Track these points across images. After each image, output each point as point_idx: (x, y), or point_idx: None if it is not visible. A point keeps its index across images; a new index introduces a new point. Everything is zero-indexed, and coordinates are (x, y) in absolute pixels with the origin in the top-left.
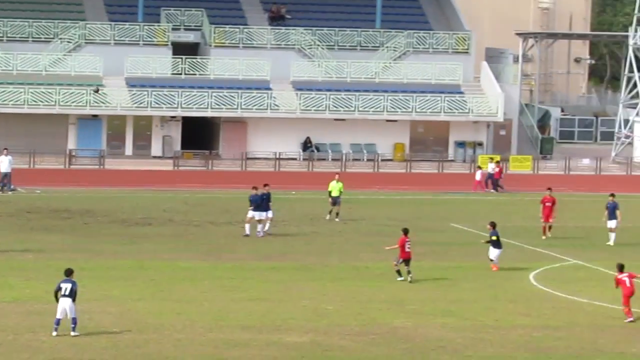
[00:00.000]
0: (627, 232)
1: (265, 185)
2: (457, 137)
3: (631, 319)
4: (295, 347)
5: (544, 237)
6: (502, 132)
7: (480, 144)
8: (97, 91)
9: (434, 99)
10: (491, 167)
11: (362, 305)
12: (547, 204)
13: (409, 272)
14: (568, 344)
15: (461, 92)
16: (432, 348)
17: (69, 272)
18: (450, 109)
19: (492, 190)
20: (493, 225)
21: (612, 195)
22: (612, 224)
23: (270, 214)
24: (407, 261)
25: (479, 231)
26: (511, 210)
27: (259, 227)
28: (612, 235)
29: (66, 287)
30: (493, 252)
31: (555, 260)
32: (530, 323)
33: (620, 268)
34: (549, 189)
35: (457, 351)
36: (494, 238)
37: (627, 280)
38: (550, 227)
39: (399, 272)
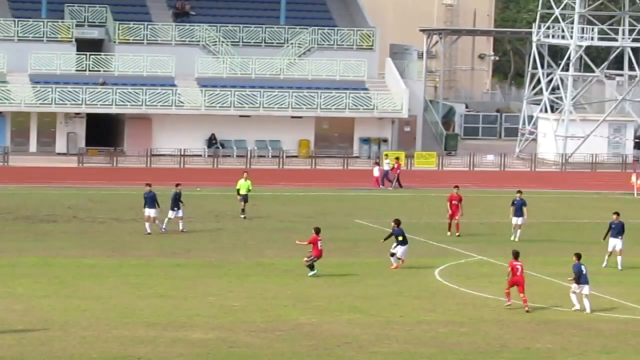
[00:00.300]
0: (530, 228)
1: (177, 185)
2: (361, 134)
3: (509, 303)
4: (201, 344)
5: (448, 234)
6: (407, 129)
7: (385, 141)
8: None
9: (339, 95)
10: (387, 164)
11: (268, 302)
12: (453, 202)
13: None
14: (473, 339)
15: (366, 89)
16: (338, 344)
17: None
18: (355, 105)
19: (398, 187)
20: (397, 222)
21: (520, 192)
22: (518, 220)
23: (180, 212)
24: (317, 259)
25: (384, 227)
26: (416, 206)
27: (163, 222)
28: (518, 232)
29: None
30: (399, 249)
31: (460, 256)
32: (436, 319)
33: (516, 255)
34: (456, 186)
35: (363, 347)
36: (400, 238)
37: (520, 268)
38: (457, 225)
39: (310, 267)
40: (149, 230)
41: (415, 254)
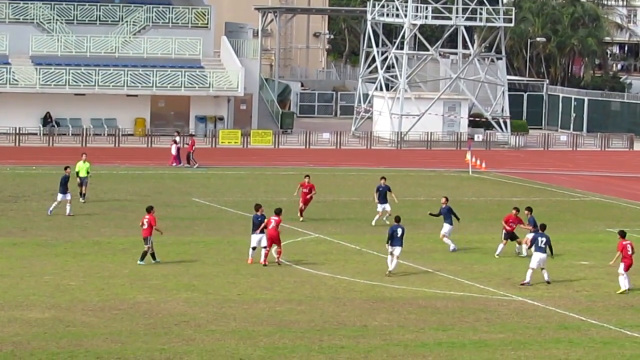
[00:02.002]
0: (367, 206)
1: (66, 168)
2: (198, 112)
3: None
4: (38, 324)
5: (301, 219)
6: (243, 107)
7: (221, 119)
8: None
9: (175, 73)
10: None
11: (105, 281)
12: (304, 190)
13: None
14: (311, 317)
15: (201, 67)
16: (175, 323)
17: None
18: (191, 83)
19: (187, 165)
20: (257, 208)
21: (383, 178)
22: (386, 207)
23: (68, 196)
24: (145, 239)
25: (220, 206)
26: (252, 184)
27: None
28: (385, 218)
29: None
30: (263, 239)
31: (296, 234)
32: (273, 297)
33: (278, 212)
34: (307, 176)
35: (201, 326)
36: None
37: (274, 222)
38: (302, 211)
39: (152, 255)
40: None
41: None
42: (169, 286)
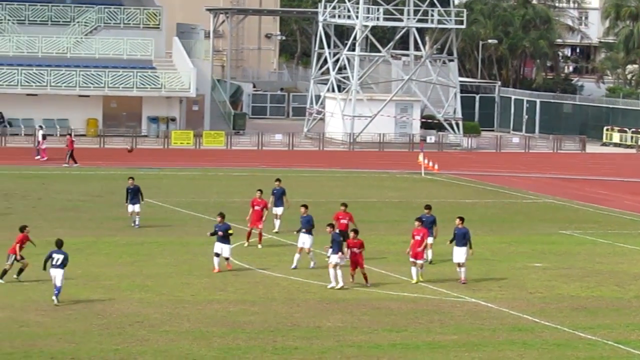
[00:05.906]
0: (318, 207)
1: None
2: (150, 113)
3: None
4: None
5: (245, 244)
6: (195, 108)
7: (173, 120)
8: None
9: (126, 74)
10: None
11: None
12: (256, 207)
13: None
14: (264, 318)
15: (153, 68)
16: (129, 323)
17: None
18: (143, 84)
19: (72, 164)
20: (222, 216)
21: (278, 180)
22: (278, 210)
23: (137, 207)
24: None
25: (173, 206)
26: (205, 185)
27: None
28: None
29: None
30: (225, 248)
31: (251, 235)
32: (227, 298)
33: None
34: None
35: (154, 326)
36: (230, 232)
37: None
38: (260, 235)
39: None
40: None
41: (204, 232)
42: (122, 287)
